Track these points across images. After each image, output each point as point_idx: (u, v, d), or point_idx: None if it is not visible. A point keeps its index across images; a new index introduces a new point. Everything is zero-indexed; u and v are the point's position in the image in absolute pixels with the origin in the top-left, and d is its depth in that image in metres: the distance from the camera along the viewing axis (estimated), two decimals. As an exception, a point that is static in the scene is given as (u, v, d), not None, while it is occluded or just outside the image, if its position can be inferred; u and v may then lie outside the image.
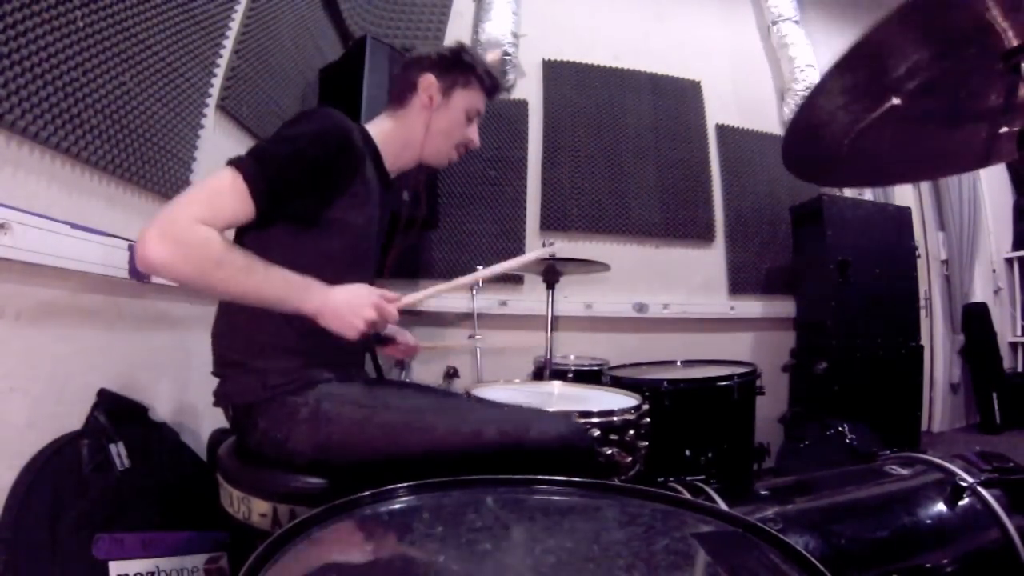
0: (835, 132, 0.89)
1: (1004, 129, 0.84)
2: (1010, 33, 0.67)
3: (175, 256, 0.80)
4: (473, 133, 1.18)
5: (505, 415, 0.96)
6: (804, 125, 0.91)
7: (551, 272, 1.91)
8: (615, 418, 1.10)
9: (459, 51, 1.14)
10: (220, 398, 0.99)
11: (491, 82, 1.17)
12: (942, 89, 0.79)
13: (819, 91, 0.84)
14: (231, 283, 0.84)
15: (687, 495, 0.92)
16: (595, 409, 1.11)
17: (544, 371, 1.91)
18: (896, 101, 0.80)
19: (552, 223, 2.77)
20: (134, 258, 1.21)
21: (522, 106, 2.85)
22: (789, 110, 3.15)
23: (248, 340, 0.96)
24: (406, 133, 1.14)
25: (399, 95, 1.15)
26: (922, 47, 0.72)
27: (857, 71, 0.76)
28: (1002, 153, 0.89)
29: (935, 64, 0.74)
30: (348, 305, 0.89)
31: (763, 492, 1.08)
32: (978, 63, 0.73)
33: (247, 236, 0.96)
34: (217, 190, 0.87)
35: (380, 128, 1.14)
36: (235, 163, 0.88)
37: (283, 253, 0.92)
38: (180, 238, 0.80)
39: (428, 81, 1.11)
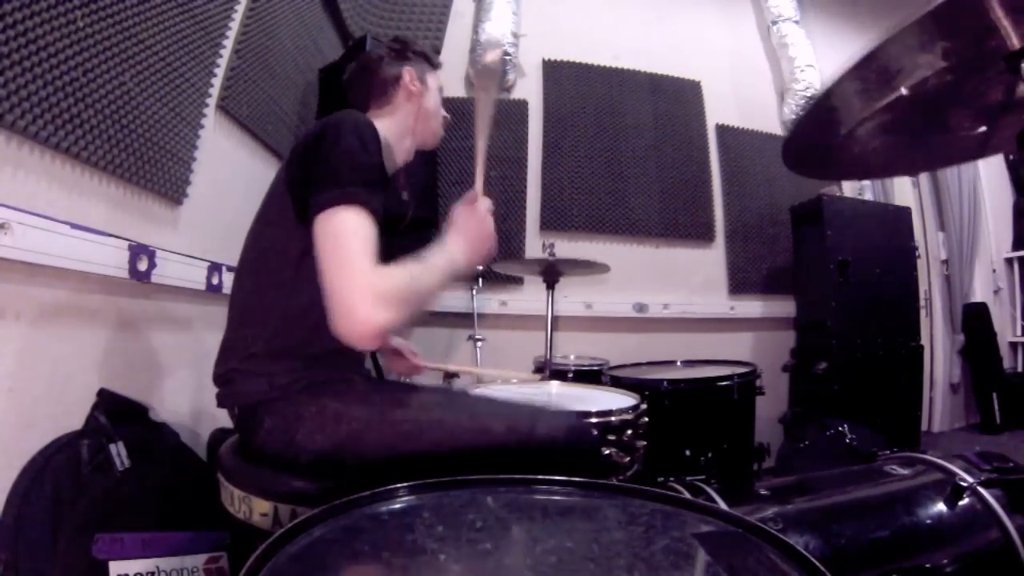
0: (837, 125, 0.89)
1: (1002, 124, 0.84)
2: (1013, 37, 0.67)
3: (394, 311, 0.78)
4: (443, 110, 1.29)
5: (513, 410, 0.97)
6: (808, 127, 0.91)
7: (551, 272, 1.91)
8: (613, 418, 1.10)
9: (408, 41, 1.25)
10: (225, 399, 0.99)
11: (437, 61, 1.29)
12: (945, 86, 0.79)
13: (826, 96, 0.84)
14: (425, 297, 0.87)
15: (687, 495, 0.92)
16: (593, 409, 1.11)
17: (544, 371, 1.91)
18: (904, 91, 0.80)
19: (552, 223, 2.77)
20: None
21: (522, 106, 2.85)
22: (789, 110, 3.15)
23: (248, 348, 0.96)
24: (401, 122, 1.19)
25: (380, 92, 1.19)
26: (930, 49, 0.73)
27: (865, 74, 0.77)
28: (999, 146, 0.89)
29: (941, 63, 0.74)
30: (478, 240, 1.00)
31: (763, 492, 1.08)
32: (981, 63, 0.74)
33: (268, 236, 0.98)
34: (351, 231, 0.81)
35: (376, 125, 1.15)
36: (332, 201, 0.82)
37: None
38: (384, 295, 0.78)
39: (410, 73, 1.19)
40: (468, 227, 1.00)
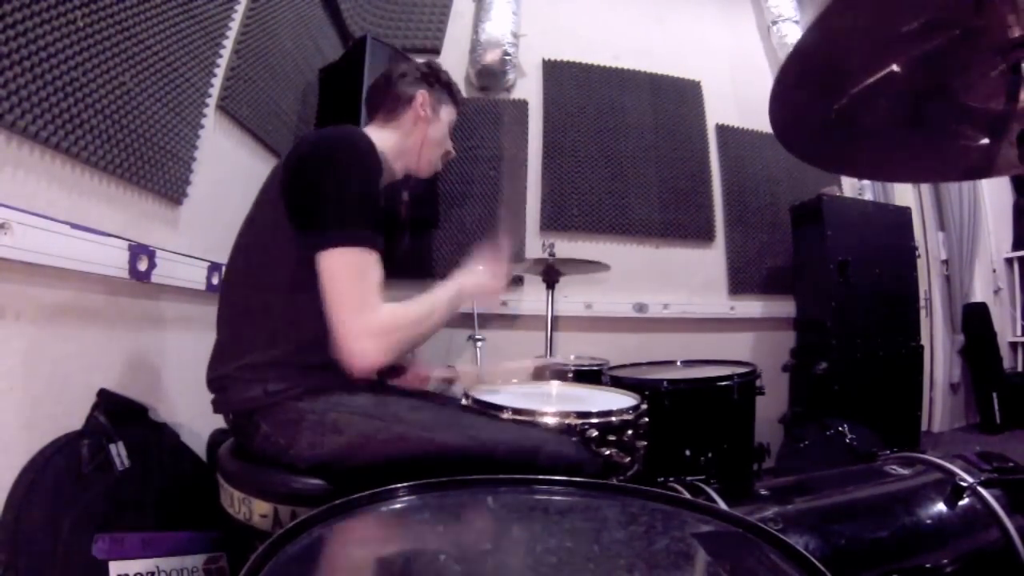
0: (828, 92, 0.83)
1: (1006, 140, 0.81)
2: (1015, 27, 0.64)
3: (388, 350, 0.88)
4: (450, 144, 1.29)
5: (517, 435, 0.95)
6: (797, 72, 0.82)
7: (551, 272, 1.91)
8: (613, 418, 1.10)
9: (439, 69, 1.25)
10: (219, 405, 0.99)
11: (460, 97, 1.31)
12: (940, 74, 0.76)
13: (815, 26, 0.75)
14: (426, 331, 0.97)
15: (687, 495, 0.92)
16: (593, 409, 1.11)
17: (544, 371, 1.91)
18: (896, 68, 0.77)
19: (552, 223, 2.77)
20: (145, 270, 1.21)
21: (522, 106, 2.85)
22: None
23: (242, 354, 0.96)
24: (400, 142, 1.18)
25: (391, 108, 1.19)
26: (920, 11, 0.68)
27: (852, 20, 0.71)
28: (1003, 165, 0.86)
29: (933, 36, 0.71)
30: (487, 284, 1.11)
31: (763, 492, 1.08)
32: (977, 55, 0.71)
33: (263, 243, 0.99)
34: (359, 273, 0.88)
35: (375, 138, 1.15)
36: (342, 241, 0.88)
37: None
38: (380, 335, 0.88)
39: (424, 96, 1.19)
40: (487, 266, 1.11)
